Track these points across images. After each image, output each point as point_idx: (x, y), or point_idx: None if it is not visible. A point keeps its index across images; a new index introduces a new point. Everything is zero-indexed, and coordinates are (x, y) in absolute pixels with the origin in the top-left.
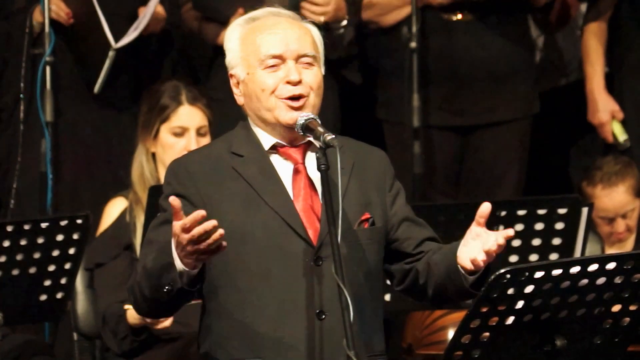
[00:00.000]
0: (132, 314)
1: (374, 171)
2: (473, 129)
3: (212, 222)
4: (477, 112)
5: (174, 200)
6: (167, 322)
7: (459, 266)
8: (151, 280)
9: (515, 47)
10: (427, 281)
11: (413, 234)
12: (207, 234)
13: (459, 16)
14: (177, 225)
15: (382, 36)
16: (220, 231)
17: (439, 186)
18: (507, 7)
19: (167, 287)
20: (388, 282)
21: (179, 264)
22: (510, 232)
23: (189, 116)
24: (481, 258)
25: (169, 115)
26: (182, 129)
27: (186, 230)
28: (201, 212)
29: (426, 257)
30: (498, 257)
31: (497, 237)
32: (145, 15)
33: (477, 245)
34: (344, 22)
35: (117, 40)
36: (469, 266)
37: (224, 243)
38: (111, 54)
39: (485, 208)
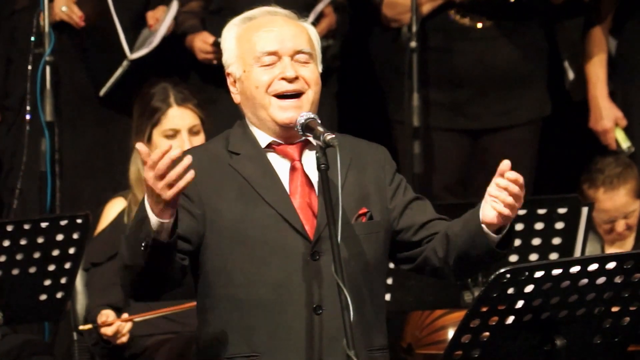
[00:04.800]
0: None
1: (373, 166)
2: (486, 132)
3: (176, 152)
4: (491, 116)
5: (140, 146)
6: (124, 338)
7: (483, 226)
8: (129, 241)
9: (529, 51)
10: (447, 254)
11: (415, 220)
12: (174, 164)
13: (474, 22)
14: (145, 169)
15: (386, 35)
16: (186, 162)
17: (448, 187)
18: (521, 11)
19: (143, 243)
20: (389, 281)
21: (152, 217)
22: (511, 174)
23: (179, 118)
24: (506, 213)
25: (160, 118)
26: (174, 131)
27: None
28: (169, 146)
29: (440, 233)
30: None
31: (509, 185)
32: (163, 25)
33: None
34: (331, 41)
35: (131, 49)
36: (496, 220)
37: (192, 171)
38: (125, 63)
39: (505, 165)
